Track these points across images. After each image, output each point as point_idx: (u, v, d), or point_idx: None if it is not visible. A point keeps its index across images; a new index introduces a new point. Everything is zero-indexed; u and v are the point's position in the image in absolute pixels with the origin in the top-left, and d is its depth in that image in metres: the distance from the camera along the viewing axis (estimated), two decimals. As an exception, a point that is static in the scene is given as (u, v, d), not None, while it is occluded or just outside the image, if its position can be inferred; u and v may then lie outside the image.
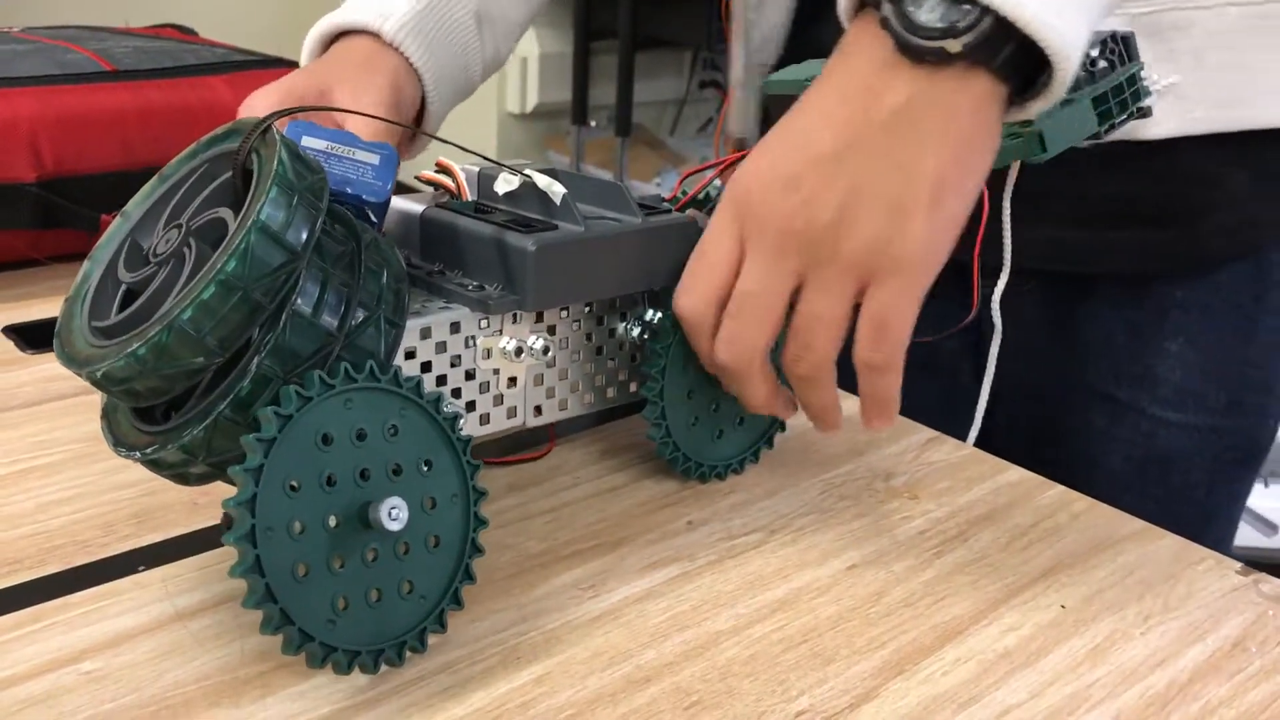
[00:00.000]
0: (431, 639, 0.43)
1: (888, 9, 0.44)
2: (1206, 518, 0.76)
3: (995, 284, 0.66)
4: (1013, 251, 0.65)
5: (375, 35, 0.64)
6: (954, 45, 0.43)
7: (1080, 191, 0.71)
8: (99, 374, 0.39)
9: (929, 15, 0.43)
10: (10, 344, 0.70)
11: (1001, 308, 0.72)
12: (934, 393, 0.80)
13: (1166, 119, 0.66)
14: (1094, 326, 0.76)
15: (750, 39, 0.81)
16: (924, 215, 0.44)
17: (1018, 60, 0.44)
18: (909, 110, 0.44)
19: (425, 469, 0.41)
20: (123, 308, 0.42)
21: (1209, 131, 0.67)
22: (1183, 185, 0.69)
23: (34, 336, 0.70)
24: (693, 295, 0.49)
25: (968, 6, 0.43)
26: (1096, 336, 0.75)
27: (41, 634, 0.44)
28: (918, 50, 0.43)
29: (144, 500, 0.53)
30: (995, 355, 0.67)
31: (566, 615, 0.46)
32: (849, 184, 0.45)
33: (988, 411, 0.76)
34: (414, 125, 0.66)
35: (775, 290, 0.47)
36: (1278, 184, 0.71)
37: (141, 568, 0.48)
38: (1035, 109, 0.46)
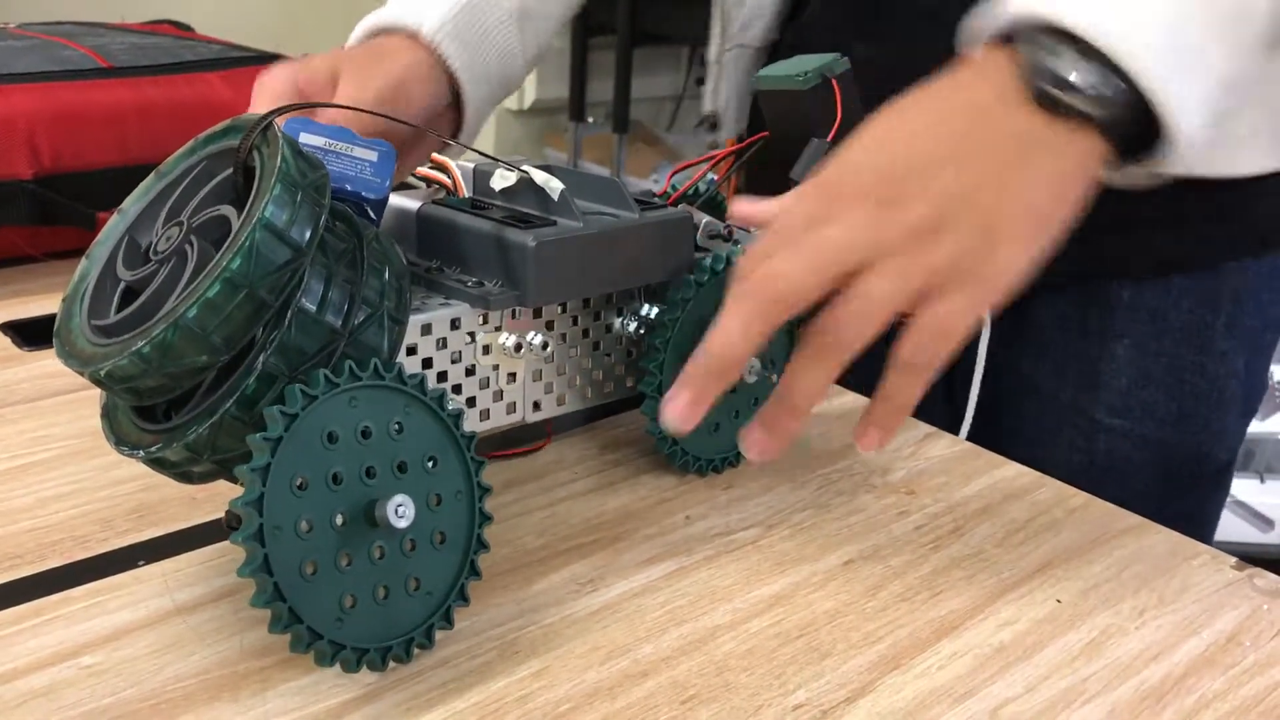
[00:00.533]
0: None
1: (1033, 55, 0.45)
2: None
3: None
4: None
5: (413, 35, 0.64)
6: (1097, 112, 0.44)
7: None
8: (102, 373, 0.39)
9: (1078, 77, 0.44)
10: (8, 340, 0.70)
11: None
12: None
13: None
14: (1042, 323, 0.74)
15: (730, 17, 0.80)
16: (1016, 244, 0.45)
17: (1133, 129, 0.45)
18: (1023, 143, 0.45)
19: (430, 466, 0.41)
20: (122, 306, 0.42)
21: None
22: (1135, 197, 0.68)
23: (31, 333, 0.70)
24: (757, 261, 0.46)
25: (1120, 83, 0.44)
26: (1044, 334, 0.74)
27: (41, 628, 0.44)
28: (1053, 101, 0.44)
29: (143, 495, 0.53)
30: (985, 348, 0.68)
31: (564, 610, 0.46)
32: (953, 193, 0.44)
33: (945, 400, 0.75)
34: (421, 125, 0.66)
35: (841, 259, 0.44)
36: (1230, 209, 0.69)
37: (141, 563, 0.48)
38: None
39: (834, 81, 0.54)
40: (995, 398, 0.77)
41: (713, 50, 0.85)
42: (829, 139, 0.54)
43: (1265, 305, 0.72)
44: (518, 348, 0.50)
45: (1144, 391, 0.72)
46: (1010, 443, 0.76)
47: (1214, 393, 0.72)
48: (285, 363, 0.39)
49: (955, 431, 0.66)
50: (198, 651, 0.43)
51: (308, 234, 0.39)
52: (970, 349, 0.76)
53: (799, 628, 0.46)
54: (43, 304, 0.75)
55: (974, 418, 0.76)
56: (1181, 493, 0.75)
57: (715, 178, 0.62)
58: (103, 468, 0.55)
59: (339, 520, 0.39)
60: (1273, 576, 0.50)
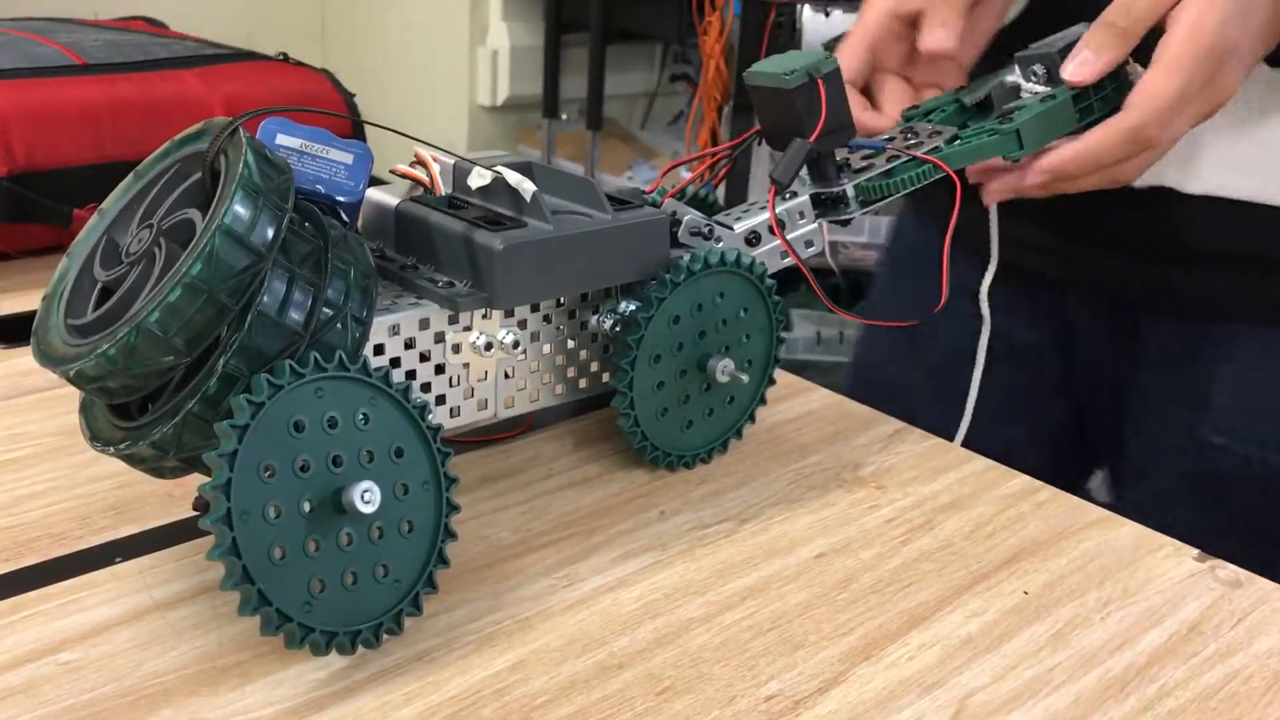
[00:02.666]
0: (408, 627, 0.44)
1: None
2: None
3: (983, 276, 0.67)
4: (1084, 274, 0.73)
5: None
6: None
7: (1148, 231, 0.72)
8: (72, 372, 0.40)
9: None
10: (-18, 338, 0.70)
11: (1077, 310, 0.75)
12: (1018, 383, 0.82)
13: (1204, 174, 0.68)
14: (1153, 338, 0.76)
15: None
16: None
17: None
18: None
19: (396, 456, 0.42)
20: (99, 305, 0.42)
21: (1249, 199, 0.68)
22: (1246, 236, 0.70)
23: (5, 331, 0.70)
24: (1165, 129, 0.56)
25: None
26: (1155, 348, 0.76)
27: (19, 625, 0.44)
28: None
29: (119, 493, 0.53)
30: (984, 346, 0.69)
31: (541, 604, 0.47)
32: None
33: (1062, 409, 0.77)
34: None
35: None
36: None
37: (118, 559, 0.48)
38: None
39: (820, 81, 0.54)
40: (1112, 414, 0.80)
41: None
42: (812, 139, 0.54)
43: None
44: (488, 346, 0.50)
45: (1249, 413, 0.74)
46: (1118, 456, 0.79)
47: None
48: (246, 364, 0.40)
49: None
50: (176, 647, 0.43)
51: (268, 238, 0.39)
52: (1071, 356, 0.79)
53: (771, 620, 0.47)
54: (16, 302, 0.75)
55: (1093, 433, 0.81)
56: None
57: (708, 180, 0.63)
58: (79, 465, 0.55)
59: (306, 507, 0.40)
60: (1233, 568, 0.51)
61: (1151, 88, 0.56)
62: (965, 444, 0.63)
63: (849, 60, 0.65)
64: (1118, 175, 0.59)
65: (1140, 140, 0.56)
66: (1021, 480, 0.58)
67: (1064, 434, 0.85)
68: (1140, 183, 0.64)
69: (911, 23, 0.64)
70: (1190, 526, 0.57)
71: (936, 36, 0.61)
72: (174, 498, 0.53)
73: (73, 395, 0.47)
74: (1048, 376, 0.83)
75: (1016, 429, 0.84)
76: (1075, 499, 0.57)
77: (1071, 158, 0.57)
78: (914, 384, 0.86)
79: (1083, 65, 0.58)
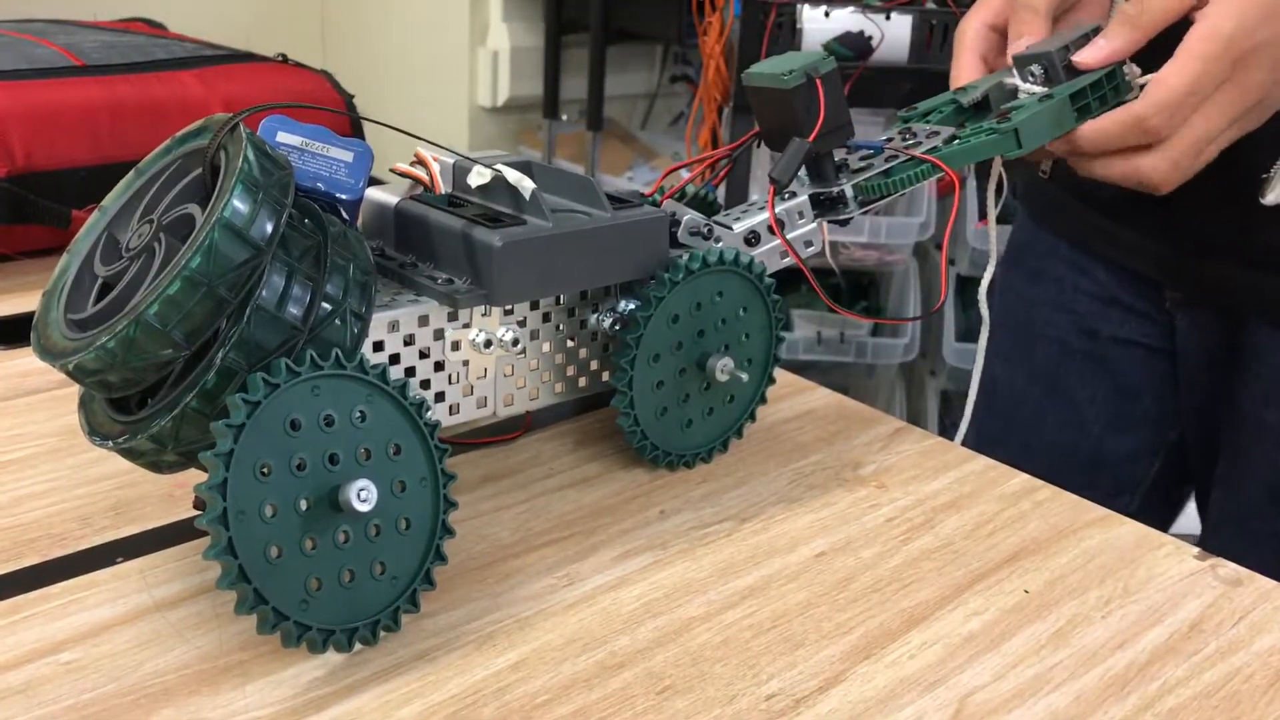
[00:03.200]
0: (409, 626, 0.44)
1: None
2: None
3: (983, 277, 0.68)
4: (1189, 280, 0.75)
5: None
6: None
7: (1253, 236, 0.72)
8: (71, 366, 0.40)
9: None
10: (-18, 339, 0.70)
11: (1182, 317, 0.79)
12: (1125, 391, 0.84)
13: None
14: (1253, 344, 0.77)
15: None
16: None
17: None
18: None
19: (393, 454, 0.42)
20: (99, 300, 0.42)
21: None
22: None
23: (4, 332, 0.70)
24: (1172, 119, 0.56)
25: None
26: (1253, 355, 0.77)
27: (20, 625, 0.44)
28: None
29: (120, 493, 0.53)
30: (984, 348, 0.69)
31: (541, 603, 0.47)
32: None
33: (1168, 419, 0.81)
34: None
35: (1211, 141, 0.57)
36: None
37: (119, 559, 0.48)
38: None
39: (818, 81, 0.54)
40: (1208, 423, 0.82)
41: None
42: (810, 139, 0.54)
43: None
44: (487, 344, 0.50)
45: None
46: (1211, 465, 0.81)
47: None
48: (245, 357, 0.40)
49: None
50: (177, 646, 0.43)
51: (268, 232, 0.39)
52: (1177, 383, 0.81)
53: (772, 619, 0.47)
54: (15, 303, 0.75)
55: (1191, 435, 0.83)
56: None
57: (709, 181, 0.62)
58: (80, 465, 0.55)
59: (303, 505, 0.40)
60: (1234, 566, 0.51)
61: (1161, 77, 0.56)
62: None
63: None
64: (1142, 175, 0.58)
65: (1144, 129, 0.56)
66: (1022, 479, 0.58)
67: (1169, 444, 0.86)
68: (1267, 200, 0.64)
69: (1004, 33, 0.66)
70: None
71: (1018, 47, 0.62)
72: (174, 498, 0.53)
73: (73, 396, 0.47)
74: (1154, 385, 0.84)
75: (1125, 438, 0.85)
76: (1075, 498, 0.57)
77: (1084, 132, 0.58)
78: (1021, 387, 0.89)
79: (1091, 48, 0.58)
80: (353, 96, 0.97)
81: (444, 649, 0.44)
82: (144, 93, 0.85)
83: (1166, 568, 0.51)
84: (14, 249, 0.81)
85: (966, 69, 0.66)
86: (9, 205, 0.79)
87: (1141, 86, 0.58)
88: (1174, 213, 0.69)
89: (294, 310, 0.41)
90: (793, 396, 0.67)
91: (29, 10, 1.12)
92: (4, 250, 0.80)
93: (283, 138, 0.47)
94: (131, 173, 0.45)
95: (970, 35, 0.66)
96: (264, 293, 0.40)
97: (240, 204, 0.39)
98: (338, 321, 0.42)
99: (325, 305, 0.42)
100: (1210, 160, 0.59)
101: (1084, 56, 0.58)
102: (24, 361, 0.66)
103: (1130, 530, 0.54)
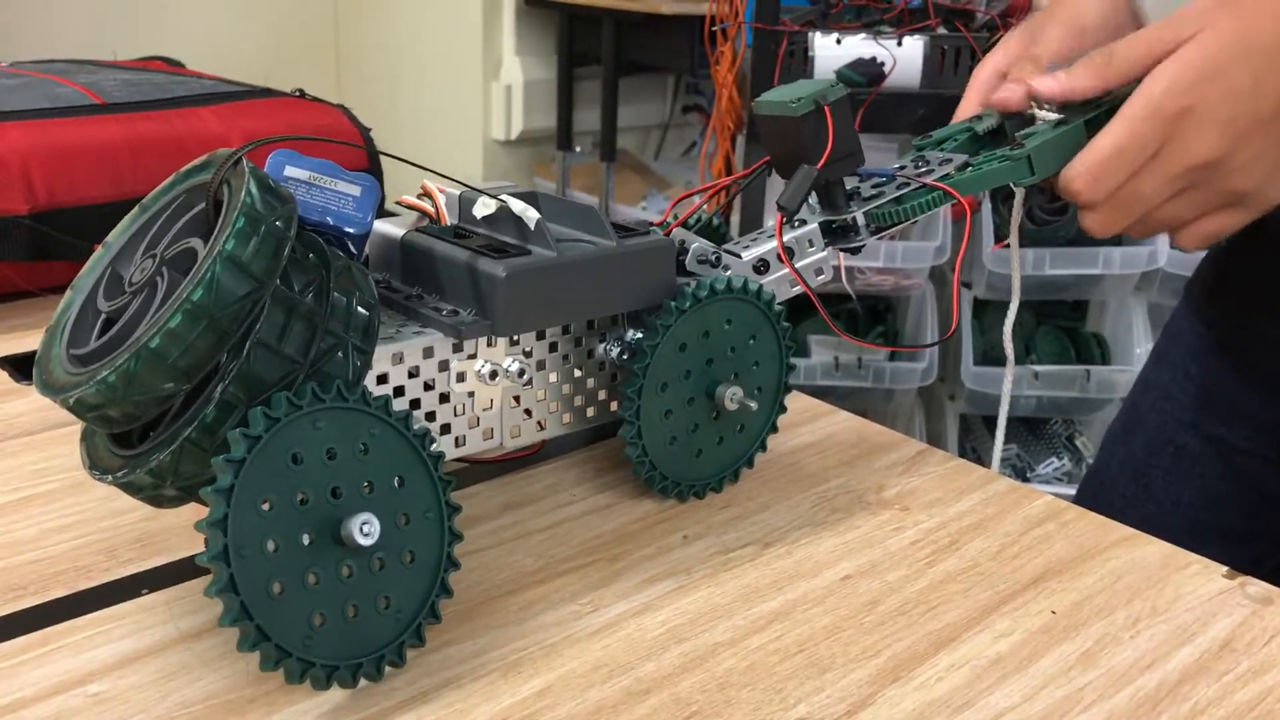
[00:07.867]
0: (433, 653, 0.44)
1: None
2: None
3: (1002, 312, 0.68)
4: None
5: None
6: None
7: None
8: (72, 400, 0.40)
9: None
10: (4, 375, 0.70)
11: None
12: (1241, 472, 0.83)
13: None
14: None
15: None
16: None
17: None
18: None
19: (398, 486, 0.42)
20: (101, 335, 0.42)
21: None
22: None
23: (28, 367, 0.71)
24: (1096, 182, 0.56)
25: None
26: None
27: (47, 658, 0.44)
28: None
29: (145, 525, 0.53)
30: (1009, 385, 0.69)
31: (566, 630, 0.47)
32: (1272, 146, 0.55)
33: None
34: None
35: (1159, 203, 0.57)
36: None
37: (145, 591, 0.48)
38: None
39: (827, 108, 0.54)
40: None
41: None
42: (818, 166, 0.54)
43: None
44: (493, 375, 0.50)
45: None
46: None
47: None
48: (245, 392, 0.40)
49: None
50: (203, 677, 0.43)
51: (269, 266, 0.39)
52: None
53: (798, 643, 0.46)
54: (38, 339, 0.75)
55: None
56: None
57: (717, 210, 0.63)
58: (104, 498, 0.55)
59: (306, 540, 0.39)
60: (1264, 584, 0.51)
61: (1091, 141, 0.56)
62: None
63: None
64: (1083, 225, 0.59)
65: (1069, 191, 0.56)
66: (1046, 500, 0.58)
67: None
68: None
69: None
70: None
71: (1011, 89, 0.62)
72: (199, 531, 0.53)
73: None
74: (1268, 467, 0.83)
75: (1234, 515, 0.84)
76: (1100, 518, 0.57)
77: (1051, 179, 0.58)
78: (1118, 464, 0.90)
79: (1050, 78, 0.58)
80: (369, 130, 0.98)
81: (470, 676, 0.44)
82: (164, 130, 0.86)
83: (1195, 586, 0.51)
84: (37, 285, 0.81)
85: (967, 109, 0.66)
86: (32, 242, 0.80)
87: None
88: None
89: (294, 344, 0.41)
90: (813, 421, 0.67)
91: (50, 51, 1.14)
92: (27, 286, 0.81)
93: (290, 172, 0.47)
94: (136, 208, 0.46)
95: (981, 79, 0.67)
96: (264, 327, 0.40)
97: (242, 238, 0.39)
98: (339, 355, 0.42)
99: (327, 339, 0.42)
100: (1176, 226, 0.58)
101: (1041, 84, 0.58)
102: (48, 397, 0.66)
103: (1157, 550, 0.54)
